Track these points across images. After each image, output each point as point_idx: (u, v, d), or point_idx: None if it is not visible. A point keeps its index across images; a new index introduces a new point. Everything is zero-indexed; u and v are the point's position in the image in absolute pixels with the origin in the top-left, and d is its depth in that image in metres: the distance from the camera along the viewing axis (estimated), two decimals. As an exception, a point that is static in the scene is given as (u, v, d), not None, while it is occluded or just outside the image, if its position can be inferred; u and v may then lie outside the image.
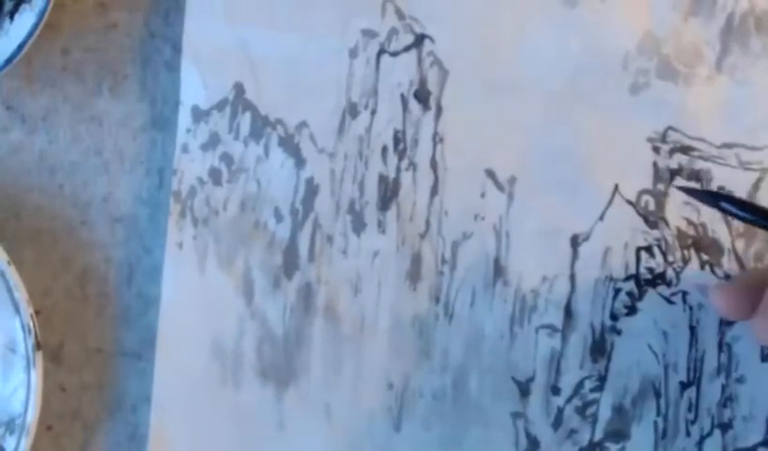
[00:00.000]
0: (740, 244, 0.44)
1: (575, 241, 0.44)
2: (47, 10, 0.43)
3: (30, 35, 0.43)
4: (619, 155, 0.44)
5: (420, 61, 0.45)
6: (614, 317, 0.44)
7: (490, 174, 0.45)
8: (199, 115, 0.46)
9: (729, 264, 0.44)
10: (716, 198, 0.41)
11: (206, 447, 0.46)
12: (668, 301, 0.44)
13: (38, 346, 0.43)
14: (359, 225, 0.45)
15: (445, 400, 0.45)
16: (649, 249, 0.44)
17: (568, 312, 0.44)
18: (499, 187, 0.45)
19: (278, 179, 0.45)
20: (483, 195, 0.45)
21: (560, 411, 0.45)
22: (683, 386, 0.44)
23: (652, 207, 0.44)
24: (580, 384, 0.44)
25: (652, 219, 0.44)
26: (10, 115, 0.47)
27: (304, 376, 0.45)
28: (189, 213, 0.46)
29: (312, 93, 0.45)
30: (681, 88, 0.44)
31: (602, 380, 0.44)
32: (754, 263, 0.44)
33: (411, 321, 0.45)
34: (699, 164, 0.44)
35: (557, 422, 0.45)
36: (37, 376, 0.43)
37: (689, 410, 0.44)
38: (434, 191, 0.45)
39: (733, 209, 0.40)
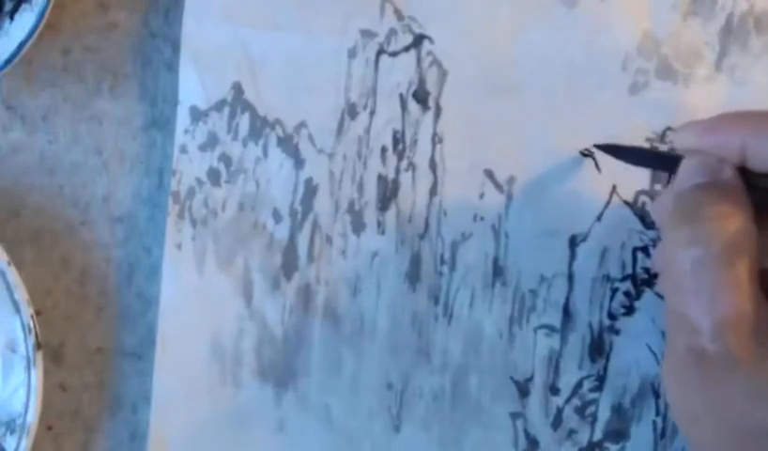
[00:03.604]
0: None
1: (573, 242, 0.44)
2: (47, 10, 0.43)
3: (30, 35, 0.43)
4: (617, 156, 0.44)
5: (419, 61, 0.45)
6: (612, 316, 0.44)
7: (489, 174, 0.45)
8: (197, 115, 0.46)
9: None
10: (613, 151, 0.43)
11: (205, 447, 0.46)
12: (666, 300, 0.44)
13: (38, 346, 0.43)
14: (358, 226, 0.45)
15: (444, 400, 0.45)
16: (645, 249, 0.44)
17: (566, 312, 0.44)
18: (498, 187, 0.45)
19: (277, 180, 0.45)
20: (482, 196, 0.45)
21: (560, 411, 0.45)
22: (683, 386, 0.44)
23: (649, 208, 0.44)
24: (579, 384, 0.44)
25: (649, 220, 0.44)
26: (10, 115, 0.47)
27: (304, 376, 0.45)
28: (187, 214, 0.46)
29: (311, 93, 0.45)
30: (680, 89, 0.44)
31: (601, 379, 0.44)
32: None
33: (410, 322, 0.45)
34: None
35: (556, 422, 0.45)
36: (37, 376, 0.43)
37: (688, 410, 0.44)
38: (433, 191, 0.45)
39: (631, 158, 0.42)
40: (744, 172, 0.36)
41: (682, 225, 0.35)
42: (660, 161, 0.41)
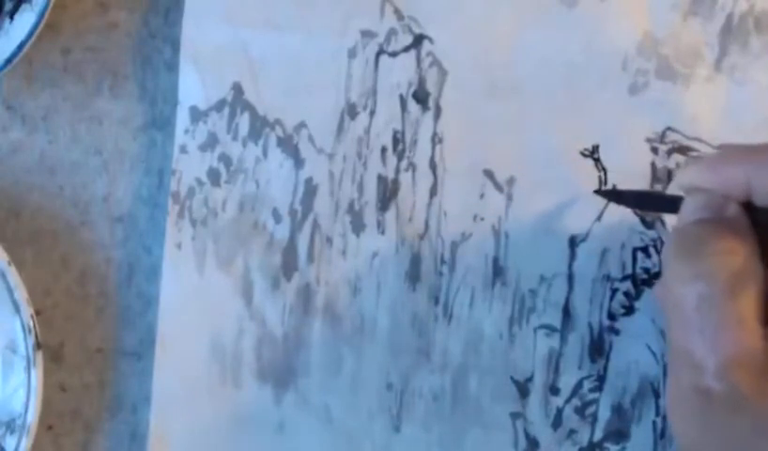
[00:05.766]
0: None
1: (573, 242, 0.44)
2: (47, 10, 0.43)
3: (30, 35, 0.43)
4: (617, 156, 0.44)
5: (419, 62, 0.45)
6: (612, 316, 0.44)
7: (489, 174, 0.45)
8: (197, 115, 0.46)
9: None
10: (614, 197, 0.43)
11: (205, 448, 0.46)
12: (666, 301, 0.44)
13: (38, 346, 0.43)
14: (358, 226, 0.45)
15: (444, 401, 0.45)
16: (645, 249, 0.44)
17: (566, 312, 0.44)
18: (498, 188, 0.45)
19: (277, 180, 0.46)
20: (482, 196, 0.45)
21: (560, 411, 0.45)
22: (683, 386, 0.44)
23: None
24: (579, 384, 0.44)
25: (649, 219, 0.44)
26: (10, 115, 0.47)
27: (303, 376, 0.45)
28: (187, 214, 0.46)
29: (310, 93, 0.45)
30: (680, 89, 0.44)
31: (601, 380, 0.44)
32: None
33: (410, 322, 0.45)
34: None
35: (556, 422, 0.45)
36: (37, 376, 0.43)
37: (688, 410, 0.44)
38: (433, 191, 0.45)
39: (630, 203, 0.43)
40: (749, 207, 0.35)
41: (684, 260, 0.34)
42: (663, 202, 0.41)
